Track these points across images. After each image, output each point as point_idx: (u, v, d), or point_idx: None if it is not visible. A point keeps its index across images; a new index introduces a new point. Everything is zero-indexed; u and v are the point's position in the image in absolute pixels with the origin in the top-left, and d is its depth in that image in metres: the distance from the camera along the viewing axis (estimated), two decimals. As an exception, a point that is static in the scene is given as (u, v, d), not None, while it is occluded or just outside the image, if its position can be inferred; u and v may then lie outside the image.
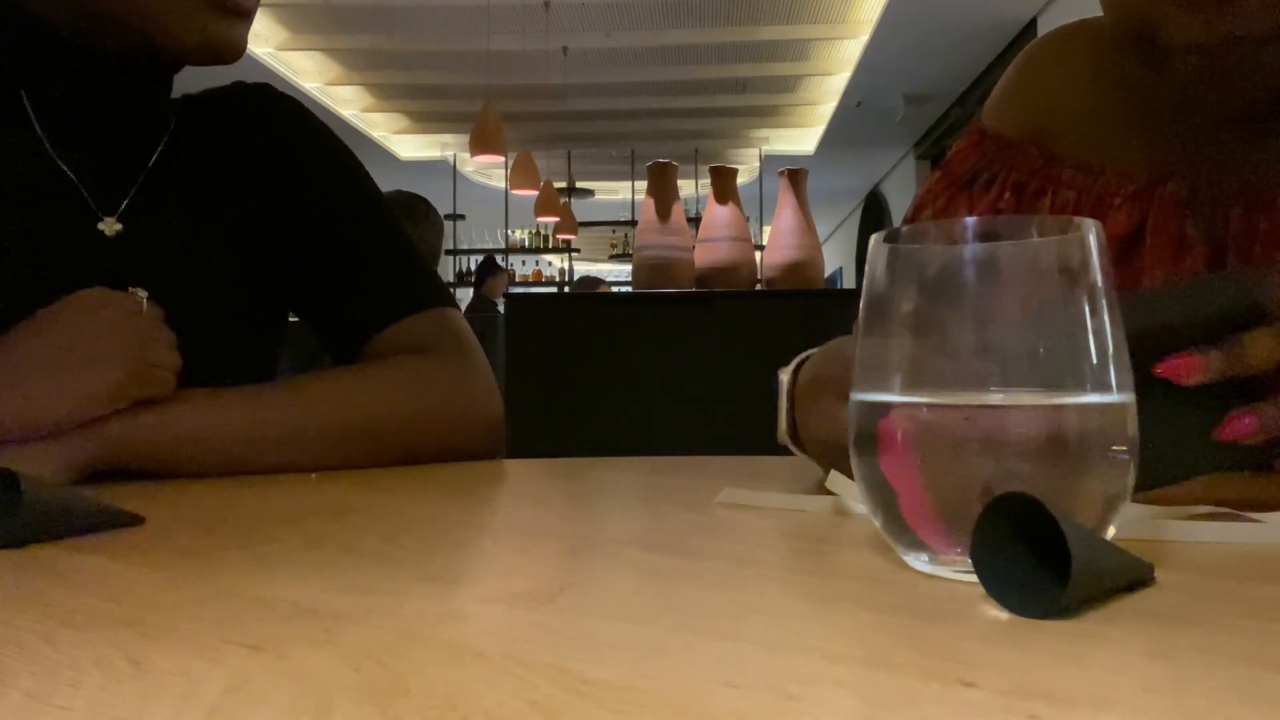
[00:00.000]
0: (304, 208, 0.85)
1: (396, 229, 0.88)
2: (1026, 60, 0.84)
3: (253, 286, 0.84)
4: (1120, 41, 0.77)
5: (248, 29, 0.76)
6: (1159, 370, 0.43)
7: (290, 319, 0.90)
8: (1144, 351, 0.36)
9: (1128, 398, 0.34)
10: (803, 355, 0.66)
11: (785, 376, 0.66)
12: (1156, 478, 0.42)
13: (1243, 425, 0.43)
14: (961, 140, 0.84)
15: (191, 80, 0.89)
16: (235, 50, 0.75)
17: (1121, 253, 0.71)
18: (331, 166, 0.88)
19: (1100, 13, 0.71)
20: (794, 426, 0.64)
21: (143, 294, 0.67)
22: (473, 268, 10.36)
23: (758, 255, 2.61)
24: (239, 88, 0.89)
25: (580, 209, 9.54)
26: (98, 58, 0.74)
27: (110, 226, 0.76)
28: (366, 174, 0.90)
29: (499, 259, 7.99)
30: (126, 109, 0.79)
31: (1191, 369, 0.43)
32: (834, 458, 0.54)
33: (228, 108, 0.87)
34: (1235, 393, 0.43)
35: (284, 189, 0.85)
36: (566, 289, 9.35)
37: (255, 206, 0.84)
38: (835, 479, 0.49)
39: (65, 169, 0.76)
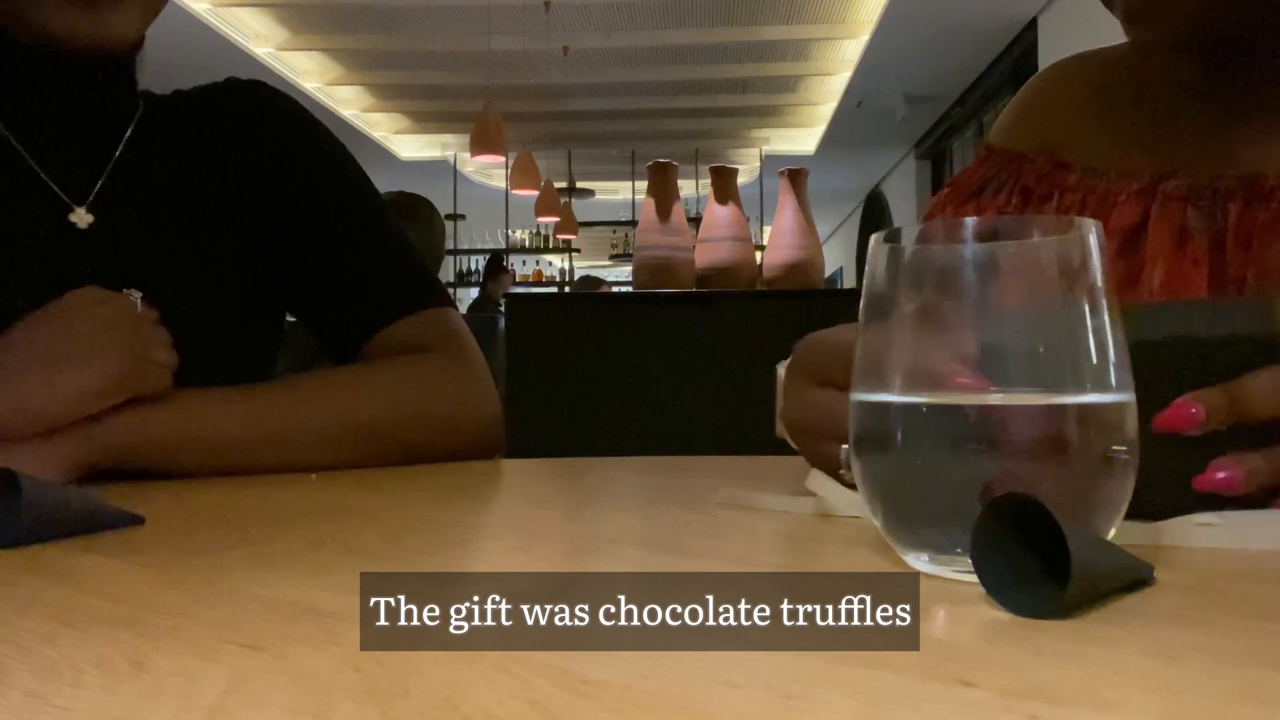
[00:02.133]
0: (299, 205, 0.84)
1: (393, 228, 0.87)
2: (1032, 84, 0.87)
3: (242, 282, 0.83)
4: (1121, 60, 0.79)
5: (115, 17, 0.70)
6: (1157, 425, 0.39)
7: (289, 318, 0.89)
8: (1148, 370, 0.34)
9: (1128, 397, 0.34)
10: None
11: (783, 370, 0.66)
12: (1140, 507, 0.40)
13: (1224, 480, 0.39)
14: (970, 162, 0.86)
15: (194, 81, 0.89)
16: (93, 41, 0.71)
17: (1125, 245, 0.72)
18: (327, 165, 0.87)
19: (1097, 39, 0.73)
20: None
21: (136, 294, 0.67)
22: (473, 268, 10.38)
23: (758, 255, 2.60)
24: (231, 83, 0.88)
25: (580, 209, 9.53)
26: (40, 49, 0.72)
27: (81, 218, 0.75)
28: (363, 172, 0.89)
29: (502, 260, 7.98)
30: (84, 98, 0.77)
31: (1190, 421, 0.40)
32: (800, 441, 0.54)
33: (218, 101, 0.86)
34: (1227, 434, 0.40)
35: (279, 185, 0.84)
36: (566, 289, 9.35)
37: (246, 201, 0.83)
38: (814, 479, 0.48)
39: (31, 162, 0.75)
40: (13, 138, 0.75)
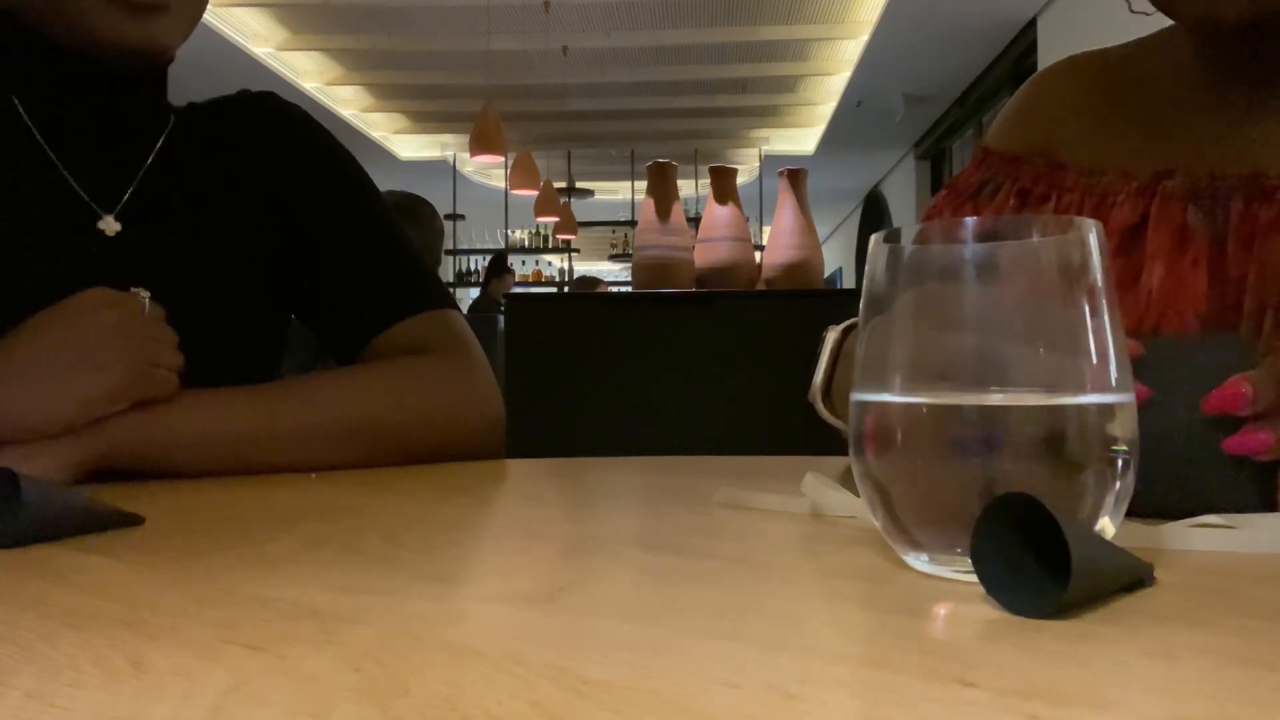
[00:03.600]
0: (306, 211, 0.85)
1: (397, 232, 0.88)
2: (1029, 85, 0.87)
3: (254, 287, 0.84)
4: (1119, 61, 0.78)
5: (162, 24, 0.72)
6: (1207, 407, 0.41)
7: (292, 319, 0.90)
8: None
9: (1128, 398, 0.34)
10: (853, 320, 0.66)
11: (833, 334, 0.66)
12: (1175, 504, 0.41)
13: (1256, 440, 0.41)
14: (967, 164, 0.86)
15: (203, 90, 0.90)
16: (139, 48, 0.72)
17: (1124, 244, 0.71)
18: (333, 171, 0.88)
19: (1097, 39, 0.72)
20: (827, 387, 0.64)
21: (145, 294, 0.67)
22: (473, 268, 10.38)
23: (758, 255, 2.60)
24: (244, 95, 0.89)
25: (580, 209, 9.54)
26: (81, 59, 0.73)
27: (109, 225, 0.76)
28: (368, 179, 0.90)
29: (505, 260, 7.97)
30: (120, 108, 0.79)
31: (1240, 401, 0.41)
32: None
33: (231, 114, 0.87)
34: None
35: (287, 192, 0.85)
36: (566, 289, 9.35)
37: (258, 209, 0.84)
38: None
39: (63, 170, 0.76)
40: (46, 144, 0.76)
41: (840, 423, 0.65)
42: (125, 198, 0.78)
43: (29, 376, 0.61)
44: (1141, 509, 0.38)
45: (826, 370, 0.66)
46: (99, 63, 0.74)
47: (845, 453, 0.37)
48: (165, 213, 0.80)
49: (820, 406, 0.65)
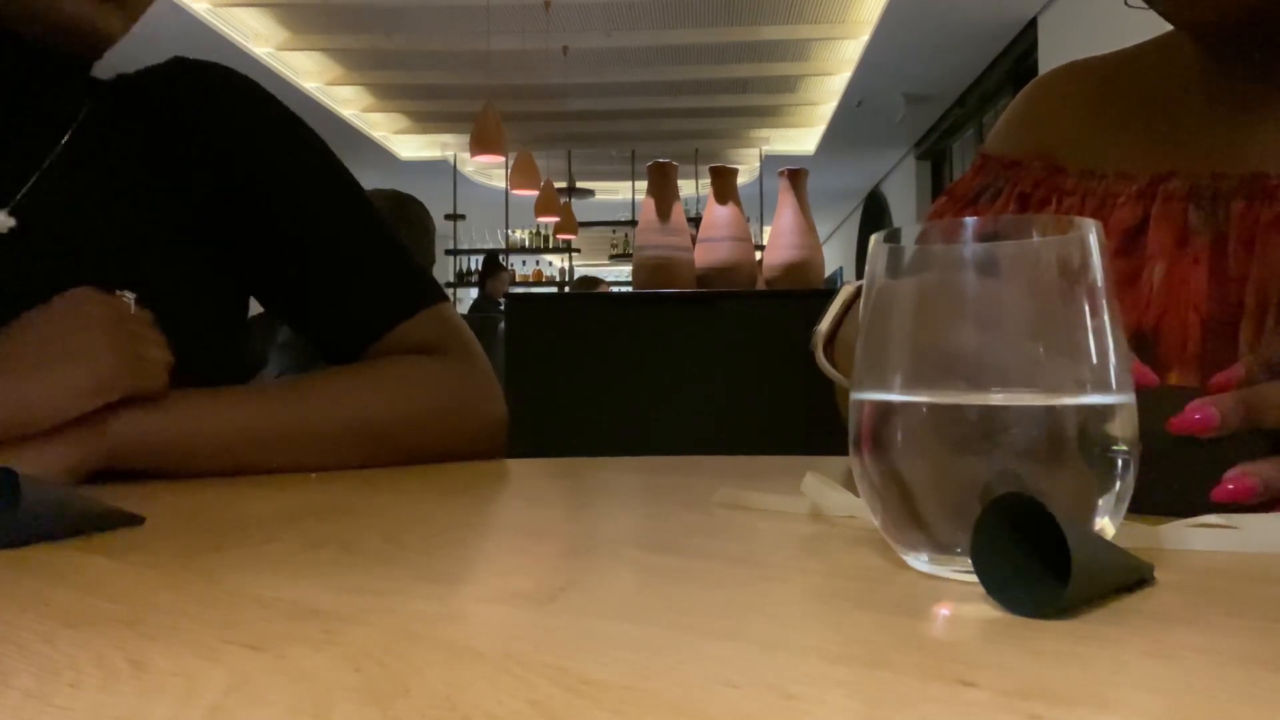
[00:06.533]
0: (270, 201, 0.79)
1: (378, 222, 0.83)
2: (1028, 90, 0.87)
3: (199, 280, 0.79)
4: (1117, 65, 0.79)
5: (118, 14, 0.68)
6: (1173, 426, 0.42)
7: (258, 311, 0.85)
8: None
9: (1128, 398, 0.34)
10: None
11: (849, 288, 0.66)
12: (1161, 505, 0.42)
13: (1242, 489, 0.42)
14: (967, 170, 0.86)
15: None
16: (94, 32, 0.68)
17: (1125, 244, 0.71)
18: (298, 155, 0.82)
19: (1097, 38, 0.72)
20: (831, 337, 0.64)
21: (130, 296, 0.66)
22: (473, 267, 10.39)
23: (758, 255, 2.61)
24: (179, 64, 0.81)
25: (580, 209, 9.54)
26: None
27: (2, 222, 0.70)
28: (338, 161, 0.84)
29: (500, 259, 7.98)
30: (24, 96, 0.73)
31: (1208, 424, 0.42)
32: None
33: (165, 87, 0.80)
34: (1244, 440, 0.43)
35: (241, 178, 0.79)
36: (566, 289, 9.35)
37: (201, 195, 0.78)
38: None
39: None
40: None
41: (836, 374, 0.65)
42: (22, 192, 0.72)
43: (16, 371, 0.60)
44: (1141, 509, 0.38)
45: (834, 320, 0.66)
46: (23, 49, 0.69)
47: (845, 453, 0.37)
48: (74, 206, 0.74)
49: (820, 355, 0.65)
